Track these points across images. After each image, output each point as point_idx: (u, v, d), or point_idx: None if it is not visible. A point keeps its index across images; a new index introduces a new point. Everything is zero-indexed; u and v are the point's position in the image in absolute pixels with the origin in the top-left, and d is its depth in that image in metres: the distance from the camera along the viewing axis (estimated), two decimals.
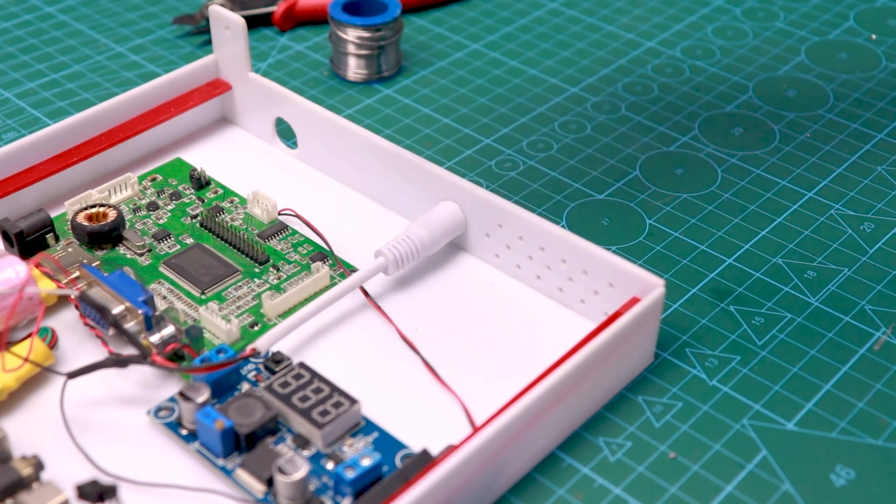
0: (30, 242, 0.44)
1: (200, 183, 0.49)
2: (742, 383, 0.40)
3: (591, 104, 0.56)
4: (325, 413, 0.37)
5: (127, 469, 0.36)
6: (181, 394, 0.37)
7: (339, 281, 0.44)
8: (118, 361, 0.38)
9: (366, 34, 0.57)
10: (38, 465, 0.35)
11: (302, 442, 0.37)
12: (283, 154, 0.52)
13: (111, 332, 0.40)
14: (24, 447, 0.37)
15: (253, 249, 0.45)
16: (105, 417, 0.39)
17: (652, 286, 0.40)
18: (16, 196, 0.47)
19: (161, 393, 0.39)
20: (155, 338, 0.40)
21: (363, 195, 0.49)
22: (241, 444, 0.37)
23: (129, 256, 0.45)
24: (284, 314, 0.42)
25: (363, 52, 0.57)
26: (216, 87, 0.53)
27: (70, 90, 0.58)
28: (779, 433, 0.39)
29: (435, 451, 0.36)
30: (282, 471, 0.34)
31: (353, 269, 0.44)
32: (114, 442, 0.38)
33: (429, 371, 0.40)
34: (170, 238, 0.46)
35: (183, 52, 0.61)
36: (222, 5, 0.60)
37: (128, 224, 0.46)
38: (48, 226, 0.44)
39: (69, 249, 0.44)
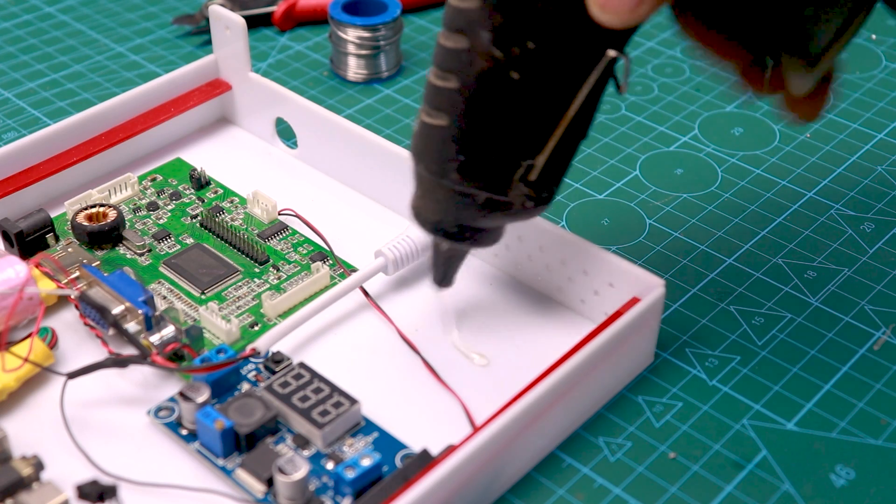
0: (30, 242, 0.44)
1: (200, 183, 0.49)
2: (742, 383, 0.40)
3: None
4: (325, 413, 0.37)
5: (127, 469, 0.36)
6: (181, 394, 0.37)
7: (339, 281, 0.44)
8: (118, 361, 0.38)
9: (366, 34, 0.57)
10: (38, 465, 0.35)
11: (302, 442, 0.37)
12: (283, 154, 0.52)
13: (111, 332, 0.40)
14: (24, 447, 0.37)
15: (253, 249, 0.45)
16: (105, 417, 0.39)
17: (652, 286, 0.40)
18: (16, 196, 0.47)
19: (161, 393, 0.39)
20: (155, 338, 0.40)
21: (363, 195, 0.49)
22: (241, 444, 0.37)
23: (129, 256, 0.45)
24: (284, 314, 0.42)
25: (363, 52, 0.57)
26: (216, 87, 0.53)
27: (70, 90, 0.58)
28: (779, 433, 0.39)
29: (435, 451, 0.36)
30: (282, 471, 0.34)
31: (353, 269, 0.44)
32: (114, 442, 0.38)
33: (429, 371, 0.40)
34: (170, 238, 0.46)
35: (183, 52, 0.61)
36: (222, 5, 0.60)
37: (128, 224, 0.46)
38: (48, 226, 0.44)
39: (69, 249, 0.44)
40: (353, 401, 0.38)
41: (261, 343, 0.40)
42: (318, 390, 0.38)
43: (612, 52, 0.33)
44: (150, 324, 0.40)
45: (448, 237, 0.38)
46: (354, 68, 0.58)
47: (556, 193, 0.37)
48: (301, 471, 0.34)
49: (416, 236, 0.44)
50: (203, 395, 0.37)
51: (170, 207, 0.48)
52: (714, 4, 0.36)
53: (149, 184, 0.49)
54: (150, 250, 0.45)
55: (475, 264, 0.45)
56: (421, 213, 0.38)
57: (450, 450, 0.35)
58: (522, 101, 0.34)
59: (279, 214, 0.47)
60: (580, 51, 0.33)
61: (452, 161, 0.35)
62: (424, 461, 0.35)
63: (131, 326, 0.40)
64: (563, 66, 0.33)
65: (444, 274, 0.40)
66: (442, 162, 0.35)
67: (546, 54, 0.33)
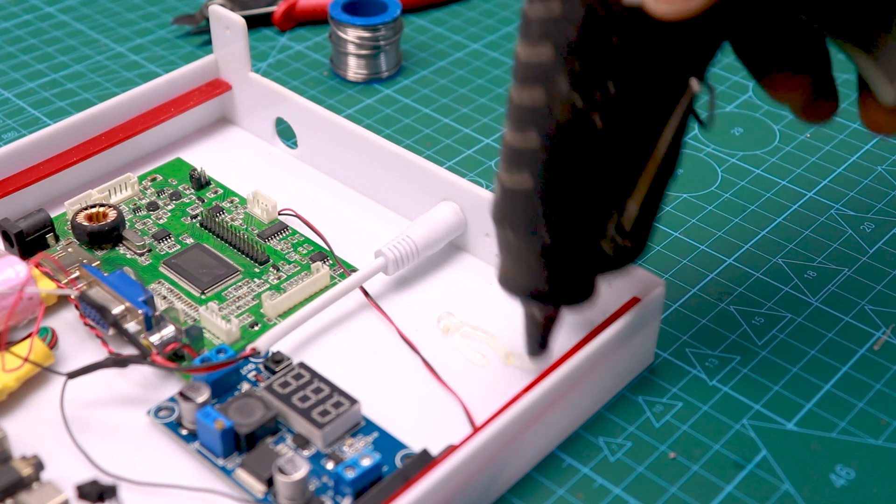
0: (30, 242, 0.44)
1: (200, 183, 0.49)
2: (742, 383, 0.40)
3: None
4: (325, 413, 0.37)
5: (127, 469, 0.36)
6: (181, 394, 0.37)
7: (339, 281, 0.44)
8: (118, 361, 0.38)
9: (366, 34, 0.57)
10: (38, 465, 0.35)
11: (302, 442, 0.37)
12: (283, 154, 0.52)
13: (111, 332, 0.40)
14: (24, 447, 0.37)
15: (253, 249, 0.45)
16: (105, 417, 0.39)
17: (652, 286, 0.40)
18: (16, 196, 0.47)
19: (161, 393, 0.39)
20: (155, 338, 0.40)
21: (363, 195, 0.49)
22: (241, 444, 0.37)
23: (129, 256, 0.45)
24: (284, 314, 0.42)
25: (363, 52, 0.57)
26: (216, 87, 0.53)
27: (70, 90, 0.58)
28: (779, 433, 0.39)
29: (435, 451, 0.36)
30: (282, 471, 0.34)
31: (353, 269, 0.44)
32: (114, 442, 0.38)
33: (429, 371, 0.40)
34: (170, 238, 0.46)
35: (183, 52, 0.61)
36: (222, 5, 0.60)
37: (128, 224, 0.46)
38: (48, 226, 0.44)
39: (69, 249, 0.44)
40: (353, 401, 0.38)
41: (261, 343, 0.40)
42: (318, 390, 0.38)
43: (695, 83, 0.32)
44: (150, 324, 0.40)
45: (544, 300, 0.36)
46: (354, 68, 0.58)
47: (651, 239, 0.35)
48: (301, 471, 0.34)
49: (416, 236, 0.44)
50: (203, 395, 0.37)
51: (170, 207, 0.48)
52: (775, 38, 0.35)
53: (149, 184, 0.49)
54: (150, 250, 0.45)
55: (475, 263, 0.45)
56: (511, 280, 0.36)
57: (450, 450, 0.35)
58: (608, 146, 0.32)
59: (279, 214, 0.47)
60: (661, 85, 0.32)
61: (541, 219, 0.34)
62: (424, 461, 0.35)
63: (131, 326, 0.40)
64: (646, 103, 0.32)
65: (540, 342, 0.38)
66: (530, 222, 0.34)
67: (627, 94, 0.32)
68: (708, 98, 0.33)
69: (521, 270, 0.36)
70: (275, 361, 0.40)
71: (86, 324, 0.41)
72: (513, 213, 0.34)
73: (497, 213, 0.35)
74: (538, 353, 0.39)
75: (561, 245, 0.34)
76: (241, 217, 0.47)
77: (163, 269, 0.44)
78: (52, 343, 0.40)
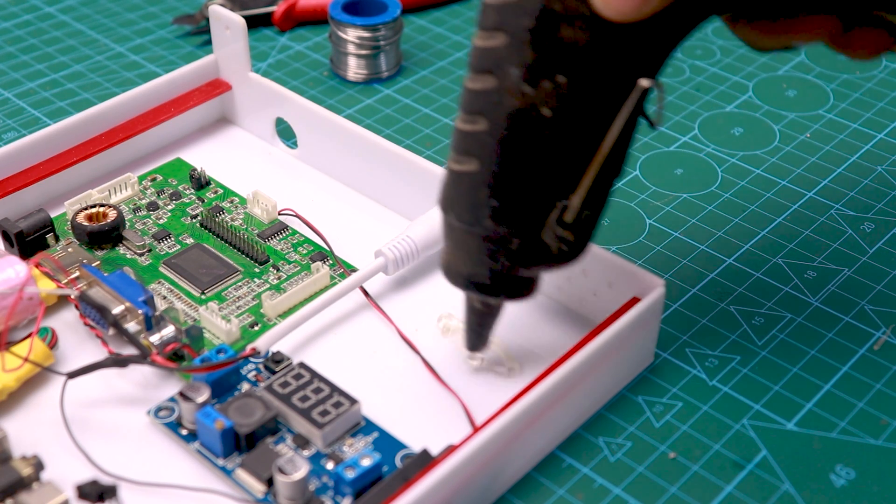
0: (30, 242, 0.44)
1: (200, 183, 0.49)
2: (742, 383, 0.40)
3: None
4: (325, 413, 0.37)
5: (127, 469, 0.36)
6: (181, 394, 0.37)
7: (339, 281, 0.44)
8: (118, 361, 0.38)
9: (366, 34, 0.57)
10: (38, 465, 0.35)
11: (302, 442, 0.37)
12: (283, 154, 0.52)
13: (111, 332, 0.40)
14: (24, 447, 0.37)
15: (253, 249, 0.45)
16: (105, 417, 0.39)
17: (652, 286, 0.40)
18: (16, 196, 0.47)
19: (161, 393, 0.39)
20: (155, 338, 0.40)
21: (363, 195, 0.49)
22: (241, 444, 0.37)
23: (129, 256, 0.45)
24: (284, 314, 0.42)
25: (363, 52, 0.57)
26: (216, 87, 0.53)
27: (70, 90, 0.58)
28: (779, 433, 0.39)
29: (435, 451, 0.36)
30: (282, 471, 0.34)
31: (353, 269, 0.44)
32: (114, 442, 0.38)
33: (429, 371, 0.40)
34: (170, 238, 0.46)
35: (183, 52, 0.61)
36: (222, 5, 0.60)
37: (128, 224, 0.46)
38: (48, 226, 0.44)
39: (69, 249, 0.44)
40: (353, 401, 0.38)
41: (261, 343, 0.40)
42: (318, 390, 0.38)
43: (644, 82, 0.32)
44: (150, 324, 0.40)
45: (481, 291, 0.36)
46: (354, 68, 0.58)
47: (593, 237, 0.35)
48: (301, 471, 0.34)
49: (416, 236, 0.44)
50: (203, 395, 0.37)
51: (170, 207, 0.48)
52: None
53: (149, 184, 0.49)
54: (150, 250, 0.45)
55: None
56: (452, 268, 0.36)
57: (450, 450, 0.35)
58: (555, 138, 0.33)
59: (279, 214, 0.47)
60: (612, 82, 0.32)
61: (485, 207, 0.34)
62: (424, 461, 0.35)
63: (131, 326, 0.40)
64: (595, 98, 0.32)
65: (477, 336, 0.39)
66: (474, 209, 0.34)
67: (577, 88, 0.32)
68: (657, 97, 0.33)
69: (462, 258, 0.36)
70: (275, 361, 0.40)
71: (86, 324, 0.41)
72: (458, 197, 0.35)
73: (443, 199, 0.36)
74: (477, 347, 0.39)
75: (503, 234, 0.34)
76: (241, 217, 0.47)
77: (163, 269, 0.44)
78: (52, 343, 0.40)
